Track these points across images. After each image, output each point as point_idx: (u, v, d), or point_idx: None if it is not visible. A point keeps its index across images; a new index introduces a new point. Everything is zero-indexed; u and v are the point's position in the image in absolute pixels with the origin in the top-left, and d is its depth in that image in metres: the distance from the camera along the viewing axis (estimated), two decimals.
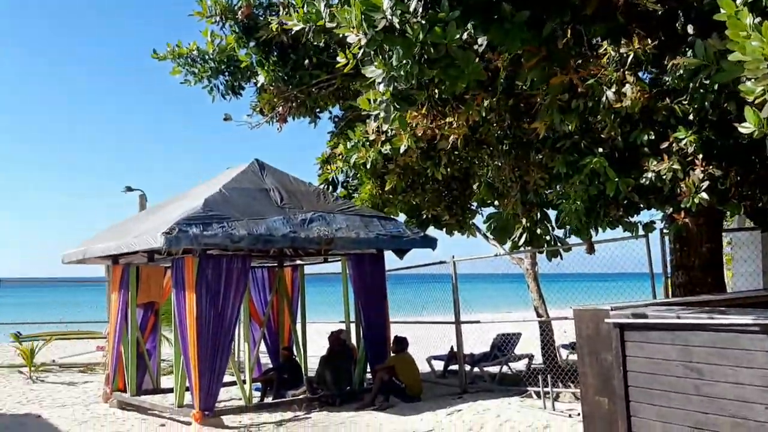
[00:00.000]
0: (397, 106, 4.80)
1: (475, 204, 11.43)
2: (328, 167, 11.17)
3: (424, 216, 11.56)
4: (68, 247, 11.35)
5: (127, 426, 8.82)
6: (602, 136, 7.48)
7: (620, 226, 8.78)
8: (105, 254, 10.21)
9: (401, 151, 7.43)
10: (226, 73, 9.67)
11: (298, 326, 11.84)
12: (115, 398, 10.26)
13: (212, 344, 8.71)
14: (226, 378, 9.38)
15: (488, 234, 11.34)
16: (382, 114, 4.86)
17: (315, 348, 12.98)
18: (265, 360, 12.26)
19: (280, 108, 9.45)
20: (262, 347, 11.92)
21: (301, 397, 9.81)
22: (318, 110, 10.57)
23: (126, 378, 10.25)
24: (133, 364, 10.17)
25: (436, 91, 6.39)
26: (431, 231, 11.53)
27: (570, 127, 6.90)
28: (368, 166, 8.64)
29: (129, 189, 16.65)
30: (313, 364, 11.82)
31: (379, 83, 4.84)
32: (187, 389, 8.98)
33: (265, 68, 9.21)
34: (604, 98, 6.79)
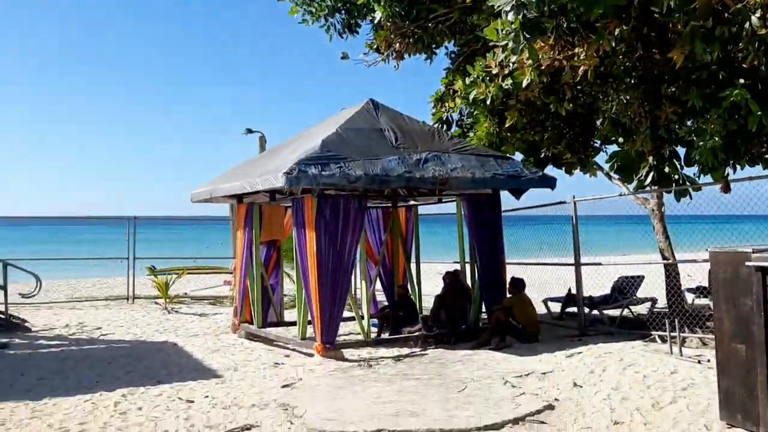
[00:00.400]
0: (527, 36, 4.54)
1: (598, 142, 10.94)
2: (443, 105, 10.98)
3: (543, 154, 11.21)
4: (197, 187, 11.91)
5: (255, 355, 9.31)
6: (744, 65, 6.86)
7: (760, 164, 8.14)
8: (230, 193, 10.64)
9: (523, 85, 7.12)
10: (343, 11, 9.61)
11: (413, 265, 11.97)
12: (242, 329, 10.86)
13: (332, 281, 8.95)
14: (345, 313, 9.64)
15: (611, 173, 10.86)
16: (510, 44, 4.63)
17: (429, 287, 13.11)
18: (381, 298, 12.54)
19: (397, 44, 9.30)
20: (378, 285, 12.18)
21: (416, 334, 9.96)
22: (434, 46, 10.33)
23: (252, 311, 10.80)
24: (259, 298, 10.68)
25: (564, 19, 6.03)
26: (549, 170, 11.18)
27: (712, 56, 6.34)
28: (488, 103, 8.35)
29: (249, 131, 17.17)
30: (427, 303, 11.97)
31: (508, 12, 4.59)
32: (309, 323, 9.33)
33: (382, 4, 9.05)
34: (747, 24, 6.18)
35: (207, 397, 6.93)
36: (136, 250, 16.25)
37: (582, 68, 6.58)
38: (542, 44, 6.26)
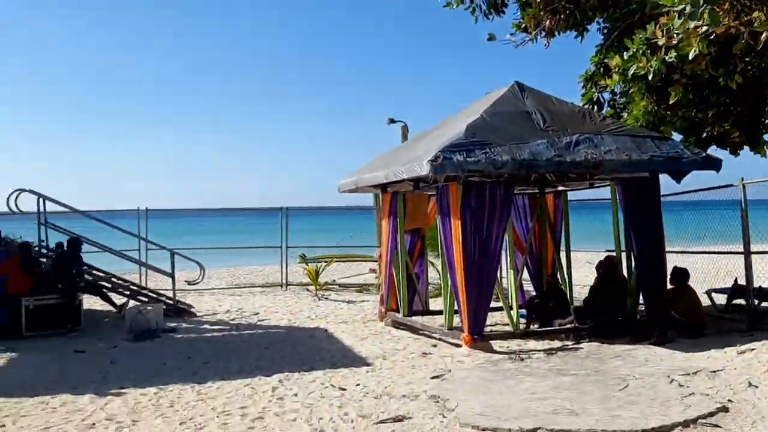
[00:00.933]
0: None
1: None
2: (594, 85, 10.41)
3: (705, 134, 10.33)
4: (342, 177, 12.16)
5: (402, 344, 9.35)
6: None
7: None
8: (374, 183, 10.76)
9: (690, 57, 6.49)
10: None
11: (562, 254, 11.50)
12: (389, 317, 10.96)
13: (478, 270, 8.76)
14: (492, 304, 9.43)
15: None
16: (688, 8, 4.15)
17: (580, 277, 12.58)
18: (528, 287, 12.18)
19: (547, 22, 8.89)
20: (525, 275, 11.83)
21: (568, 326, 9.55)
22: (586, 22, 9.80)
23: (398, 299, 10.87)
24: (404, 287, 10.73)
25: None
26: (711, 151, 10.29)
27: None
28: (649, 78, 7.73)
29: (392, 121, 17.32)
30: (578, 294, 11.49)
31: None
32: (456, 313, 9.22)
33: None
34: None
35: (358, 385, 7.03)
36: (288, 239, 16.99)
37: (765, 35, 5.83)
38: (716, 9, 5.61)
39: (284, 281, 16.57)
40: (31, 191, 12.51)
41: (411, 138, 14.31)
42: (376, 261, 14.63)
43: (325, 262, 16.31)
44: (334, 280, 16.80)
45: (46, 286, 10.93)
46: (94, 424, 5.96)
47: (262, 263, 22.01)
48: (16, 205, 12.62)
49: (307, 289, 15.73)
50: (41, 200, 12.32)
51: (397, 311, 10.89)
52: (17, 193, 12.59)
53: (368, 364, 8.07)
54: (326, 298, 14.52)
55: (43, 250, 12.17)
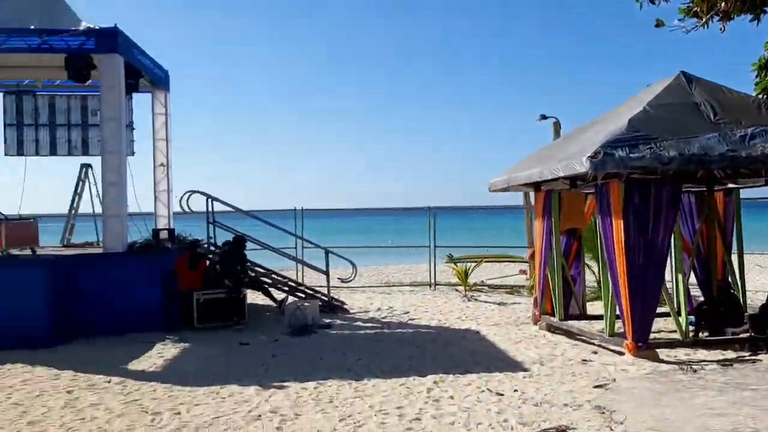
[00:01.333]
0: None
1: None
2: None
3: None
4: (492, 176, 11.94)
5: (560, 350, 9.00)
6: None
7: None
8: (528, 181, 10.46)
9: None
10: None
11: (734, 257, 10.57)
12: (544, 321, 10.60)
13: (643, 273, 8.26)
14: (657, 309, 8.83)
15: None
16: None
17: (756, 283, 11.52)
18: (695, 293, 11.31)
19: (722, 4, 8.19)
20: (692, 279, 11.01)
21: (743, 335, 8.75)
22: (765, 4, 8.93)
23: (553, 302, 10.49)
24: (560, 290, 10.34)
25: None
26: None
27: None
28: None
29: (543, 117, 16.84)
30: (752, 300, 10.54)
31: None
32: (617, 318, 8.74)
33: None
34: None
35: (516, 391, 6.84)
36: (435, 239, 16.99)
37: None
38: None
39: (432, 281, 16.60)
40: (200, 192, 13.43)
41: (567, 134, 13.80)
42: (526, 262, 14.25)
43: (475, 262, 16.12)
44: (483, 281, 16.59)
45: (214, 281, 11.67)
46: (259, 415, 6.23)
47: (408, 262, 22.25)
48: (188, 205, 13.61)
49: (456, 290, 15.64)
50: (209, 201, 13.18)
51: (552, 315, 10.52)
52: (188, 194, 13.58)
53: (525, 370, 7.83)
54: (476, 299, 14.35)
55: (212, 248, 13.02)
